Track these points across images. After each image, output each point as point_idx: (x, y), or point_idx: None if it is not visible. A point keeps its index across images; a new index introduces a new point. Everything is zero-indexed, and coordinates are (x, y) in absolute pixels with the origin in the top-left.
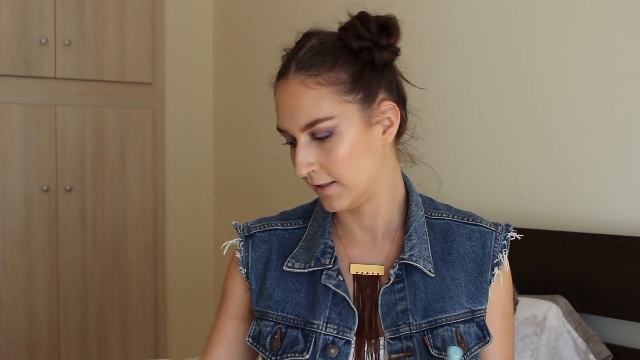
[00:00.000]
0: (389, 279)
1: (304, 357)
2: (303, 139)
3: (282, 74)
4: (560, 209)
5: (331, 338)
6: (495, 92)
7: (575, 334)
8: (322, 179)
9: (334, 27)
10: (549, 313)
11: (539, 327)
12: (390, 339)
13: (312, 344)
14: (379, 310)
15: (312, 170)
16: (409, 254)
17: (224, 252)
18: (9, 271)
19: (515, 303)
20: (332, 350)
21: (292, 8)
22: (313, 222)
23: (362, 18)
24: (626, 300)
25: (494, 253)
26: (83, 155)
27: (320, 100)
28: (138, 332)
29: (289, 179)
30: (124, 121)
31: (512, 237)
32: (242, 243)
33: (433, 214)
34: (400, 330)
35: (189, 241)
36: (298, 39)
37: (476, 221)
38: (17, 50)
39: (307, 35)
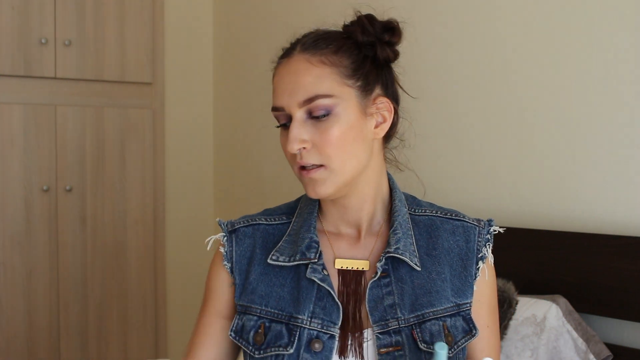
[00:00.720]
0: (376, 273)
1: (288, 351)
2: (299, 115)
3: (286, 54)
4: (560, 209)
5: (315, 332)
6: (496, 92)
7: (575, 334)
8: (312, 159)
9: (334, 27)
10: (549, 313)
11: (539, 327)
12: (379, 333)
13: (296, 338)
14: (367, 305)
15: (304, 148)
16: (394, 247)
17: (208, 248)
18: (9, 271)
19: (515, 303)
20: (317, 345)
21: (292, 9)
22: (297, 218)
23: (370, 17)
24: (626, 300)
25: (478, 247)
26: (83, 155)
27: (323, 77)
28: (138, 332)
29: (289, 179)
30: (124, 121)
31: (494, 231)
32: (225, 238)
33: (417, 211)
34: (389, 324)
35: (189, 241)
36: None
37: (459, 217)
38: (17, 50)
39: (313, 30)
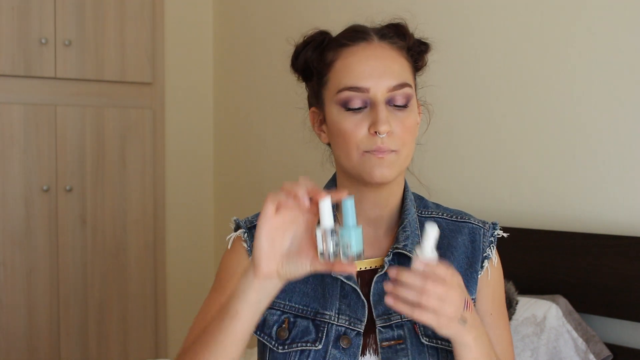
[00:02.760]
0: (383, 267)
1: (316, 347)
2: (384, 100)
3: (361, 38)
4: (560, 209)
5: (343, 329)
6: (496, 92)
7: (575, 334)
8: (391, 145)
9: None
10: (549, 313)
11: (539, 327)
12: (381, 327)
13: (324, 334)
14: (371, 299)
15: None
16: (403, 243)
17: (229, 246)
18: (9, 271)
19: (515, 303)
20: (345, 342)
21: (292, 8)
22: None
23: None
24: (626, 300)
25: (483, 247)
26: (83, 155)
27: (405, 68)
28: (138, 332)
29: (289, 179)
30: (124, 121)
31: (498, 234)
32: (246, 234)
33: (423, 212)
34: (392, 318)
35: (189, 241)
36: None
37: (465, 218)
38: (17, 50)
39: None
